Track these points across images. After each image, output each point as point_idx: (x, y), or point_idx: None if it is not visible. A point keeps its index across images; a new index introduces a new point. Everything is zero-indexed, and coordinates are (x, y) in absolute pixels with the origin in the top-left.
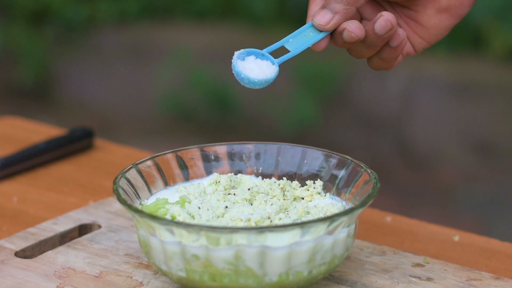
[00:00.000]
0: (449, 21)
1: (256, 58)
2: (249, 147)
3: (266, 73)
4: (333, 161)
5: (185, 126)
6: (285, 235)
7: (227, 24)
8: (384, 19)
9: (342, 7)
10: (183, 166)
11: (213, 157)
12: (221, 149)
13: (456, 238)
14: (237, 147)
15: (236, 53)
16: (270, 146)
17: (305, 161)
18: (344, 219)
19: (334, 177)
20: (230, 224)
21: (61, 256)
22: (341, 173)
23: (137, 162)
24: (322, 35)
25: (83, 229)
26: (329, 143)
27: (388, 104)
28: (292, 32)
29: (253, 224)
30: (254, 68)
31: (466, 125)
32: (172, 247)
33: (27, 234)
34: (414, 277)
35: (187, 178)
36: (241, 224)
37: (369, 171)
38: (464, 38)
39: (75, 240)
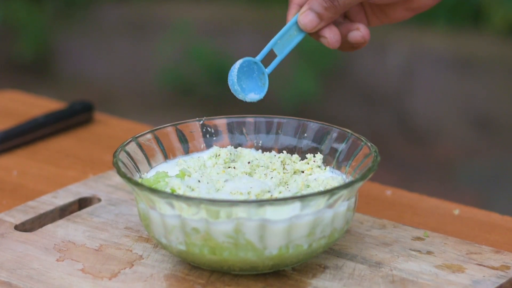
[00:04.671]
0: (410, 15)
1: (249, 72)
2: (249, 120)
3: (257, 95)
4: (333, 134)
5: (185, 100)
6: (285, 208)
7: None
8: (360, 35)
9: (329, 15)
10: (183, 139)
11: (213, 131)
12: (221, 122)
13: (456, 212)
14: (237, 120)
15: (236, 67)
16: (270, 120)
17: (305, 135)
18: (344, 192)
19: (334, 151)
20: (230, 198)
21: (61, 229)
22: (341, 146)
23: (137, 136)
24: (304, 34)
25: (83, 203)
26: (329, 117)
27: (388, 78)
28: (278, 32)
29: (253, 198)
30: (246, 88)
31: (467, 100)
32: (172, 221)
33: (27, 207)
34: (414, 250)
35: (187, 152)
36: (241, 198)
37: (369, 144)
38: (465, 12)
39: (75, 214)
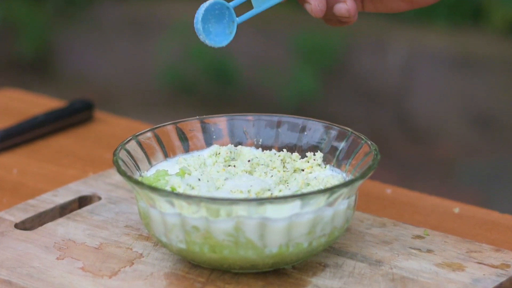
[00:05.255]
0: (407, 8)
1: (220, 16)
2: (249, 119)
3: (221, 41)
4: (333, 133)
5: (185, 98)
6: (285, 206)
7: None
8: (346, 8)
9: None
10: (183, 137)
11: (213, 129)
12: (221, 120)
13: (457, 210)
14: (237, 118)
15: (205, 5)
16: (270, 118)
17: (305, 133)
18: (344, 190)
19: (334, 149)
20: (230, 196)
21: (61, 228)
22: (341, 145)
23: (137, 134)
24: None
25: (83, 201)
26: (329, 115)
27: (388, 76)
28: None
29: (253, 196)
30: (212, 32)
31: (467, 98)
32: (172, 219)
33: (27, 206)
34: (414, 249)
35: (187, 150)
36: (241, 196)
37: (369, 143)
38: (465, 11)
39: (75, 212)
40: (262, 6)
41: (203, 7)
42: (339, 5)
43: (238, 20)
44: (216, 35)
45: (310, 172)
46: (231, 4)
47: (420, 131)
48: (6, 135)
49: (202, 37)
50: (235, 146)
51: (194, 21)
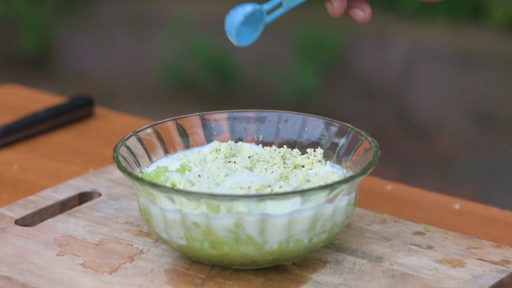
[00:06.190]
0: None
1: (249, 17)
2: (250, 115)
3: (247, 39)
4: (334, 129)
5: (186, 94)
6: (285, 203)
7: None
8: (361, 17)
9: None
10: (183, 134)
11: (213, 125)
12: (221, 117)
13: (457, 206)
14: (237, 115)
15: (246, 14)
16: (270, 114)
17: (306, 129)
18: (345, 187)
19: (334, 145)
20: (231, 192)
21: (61, 224)
22: (342, 141)
23: (137, 130)
24: None
25: (83, 197)
26: (330, 111)
27: (388, 73)
28: None
29: (253, 192)
30: (241, 33)
31: (467, 95)
32: (172, 215)
33: (27, 202)
34: (415, 245)
35: (187, 146)
36: (241, 192)
37: (369, 139)
38: (465, 7)
39: (75, 208)
40: (290, 4)
41: (241, 14)
42: (356, 10)
43: (268, 20)
44: (244, 35)
45: (311, 169)
46: (266, 7)
47: (420, 127)
48: (6, 131)
49: (233, 39)
50: (236, 142)
51: (227, 23)
